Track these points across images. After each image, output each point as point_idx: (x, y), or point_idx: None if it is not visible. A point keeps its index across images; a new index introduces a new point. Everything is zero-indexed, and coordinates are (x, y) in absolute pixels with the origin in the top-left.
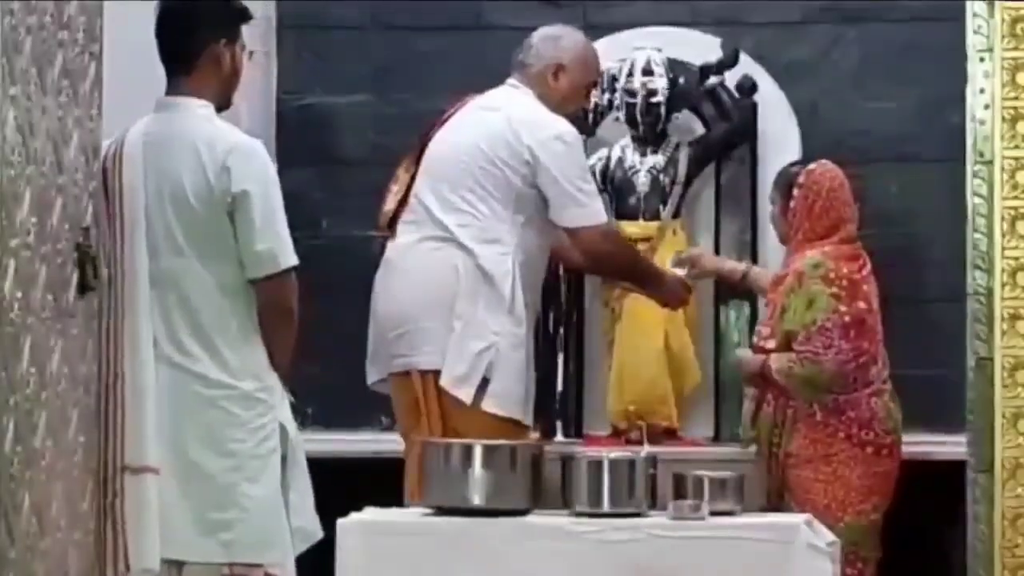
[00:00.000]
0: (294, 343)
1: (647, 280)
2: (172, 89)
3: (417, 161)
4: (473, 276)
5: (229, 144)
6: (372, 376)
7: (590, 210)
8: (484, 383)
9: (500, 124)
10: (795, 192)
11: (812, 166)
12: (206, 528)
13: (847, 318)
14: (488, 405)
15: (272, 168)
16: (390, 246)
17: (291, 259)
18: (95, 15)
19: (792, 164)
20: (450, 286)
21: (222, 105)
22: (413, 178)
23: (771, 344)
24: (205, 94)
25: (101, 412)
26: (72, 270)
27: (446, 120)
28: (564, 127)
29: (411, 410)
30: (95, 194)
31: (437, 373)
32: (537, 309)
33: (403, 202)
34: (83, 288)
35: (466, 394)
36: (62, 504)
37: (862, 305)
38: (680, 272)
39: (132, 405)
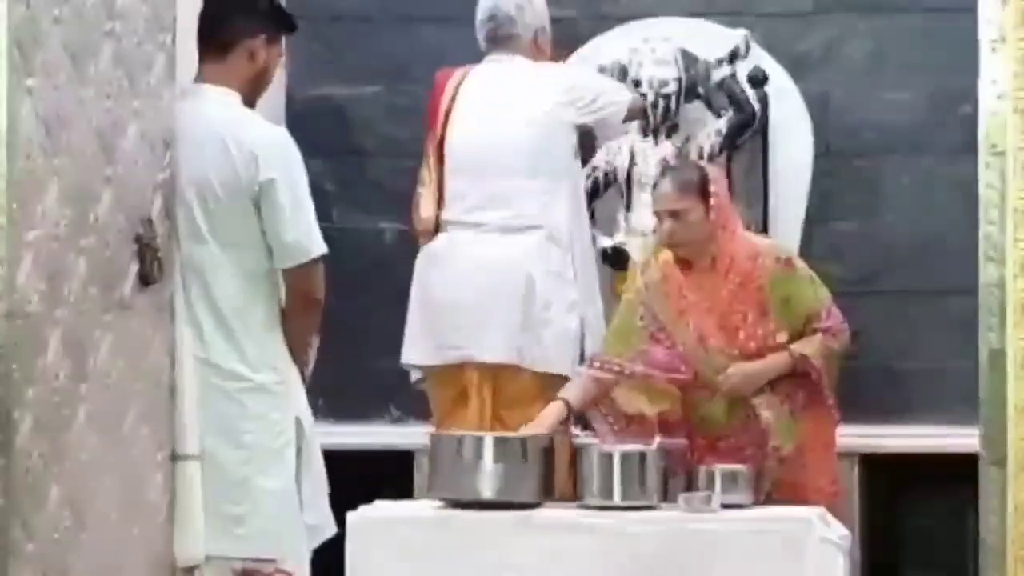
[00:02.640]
0: (317, 335)
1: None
2: (202, 75)
3: (439, 158)
4: (542, 263)
5: (257, 133)
6: (410, 358)
7: (621, 94)
8: (581, 356)
9: (532, 94)
10: (714, 189)
11: (700, 162)
12: (219, 522)
13: None
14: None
15: (299, 157)
16: (439, 241)
17: (320, 248)
18: (164, 6)
19: (676, 173)
20: (518, 279)
21: (247, 103)
22: (441, 176)
23: (782, 338)
24: (233, 84)
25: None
26: (129, 262)
27: (450, 110)
28: (573, 70)
29: (456, 401)
30: (165, 185)
31: (496, 365)
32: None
33: (439, 203)
34: (146, 280)
35: (575, 371)
36: (114, 497)
37: None
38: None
39: (185, 395)
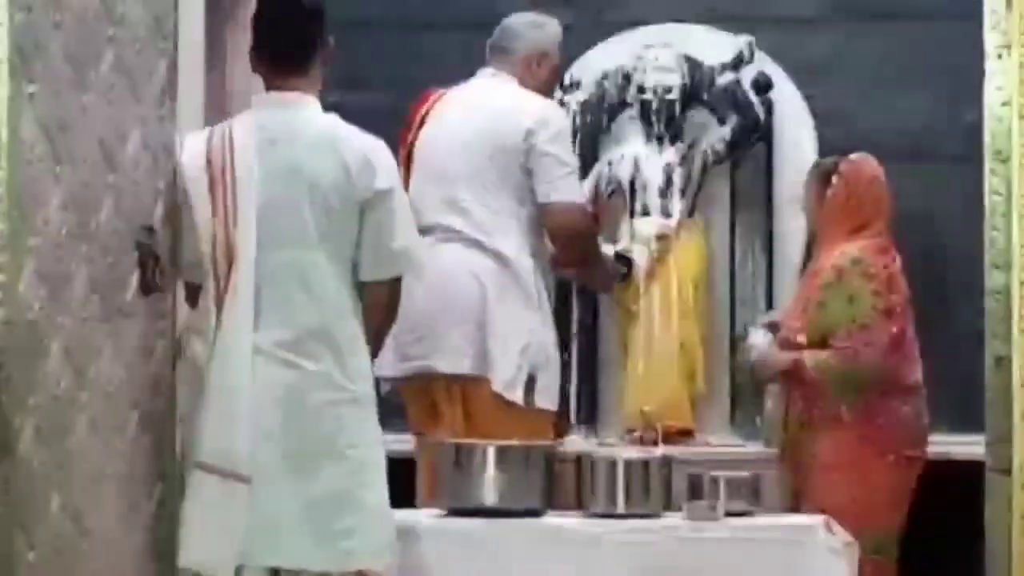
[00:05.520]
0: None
1: (594, 263)
2: (283, 85)
3: (406, 166)
4: (497, 276)
5: (368, 142)
6: (378, 370)
7: (572, 186)
8: (530, 380)
9: (496, 113)
10: (833, 181)
11: (853, 156)
12: (324, 536)
13: (886, 314)
14: (540, 401)
15: None
16: None
17: (424, 259)
18: (166, 12)
19: (830, 156)
20: (474, 291)
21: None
22: (406, 183)
23: (802, 339)
24: (313, 90)
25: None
26: (130, 270)
27: (424, 119)
28: (556, 109)
29: (428, 413)
30: (165, 193)
31: (459, 377)
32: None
33: None
34: (147, 288)
35: (518, 395)
36: (115, 506)
37: (897, 298)
38: (766, 337)
39: (217, 403)
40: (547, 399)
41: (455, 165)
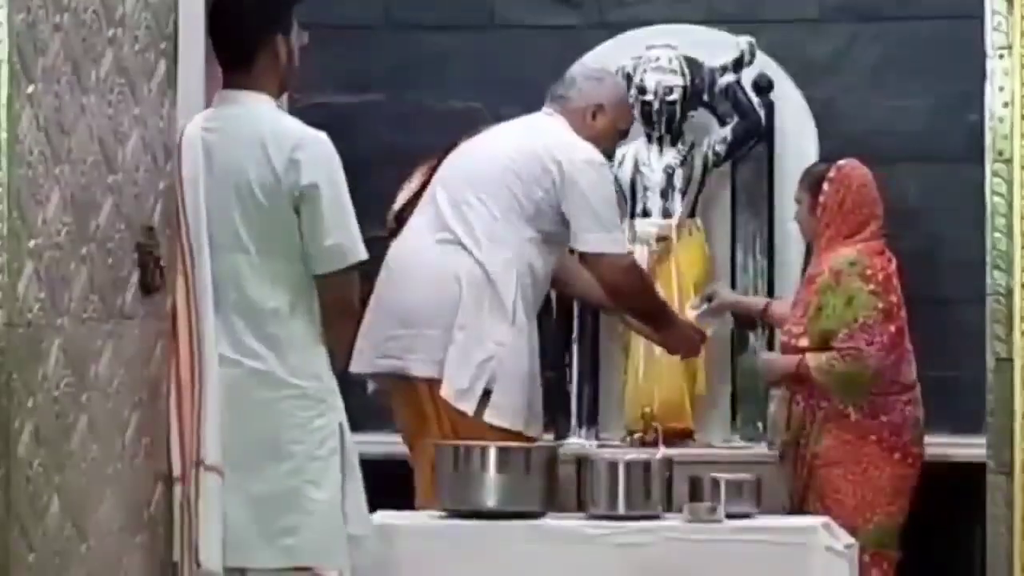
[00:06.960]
0: (352, 342)
1: (660, 322)
2: (231, 83)
3: (436, 168)
4: (477, 283)
5: (297, 137)
6: (352, 366)
7: (615, 238)
8: (486, 394)
9: (531, 140)
10: (825, 188)
11: (841, 163)
12: (269, 534)
13: (885, 313)
14: (490, 416)
15: (339, 161)
16: (393, 247)
17: (360, 254)
18: (165, 13)
19: (816, 164)
20: (451, 295)
21: (279, 94)
22: (428, 181)
23: (804, 342)
24: (266, 88)
25: (176, 410)
26: (131, 271)
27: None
28: (597, 154)
29: (416, 416)
30: (165, 194)
31: (431, 379)
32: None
33: (413, 201)
34: (147, 289)
35: (468, 406)
36: (116, 508)
37: (895, 299)
38: (700, 307)
39: (208, 403)
40: (500, 416)
41: (474, 175)
